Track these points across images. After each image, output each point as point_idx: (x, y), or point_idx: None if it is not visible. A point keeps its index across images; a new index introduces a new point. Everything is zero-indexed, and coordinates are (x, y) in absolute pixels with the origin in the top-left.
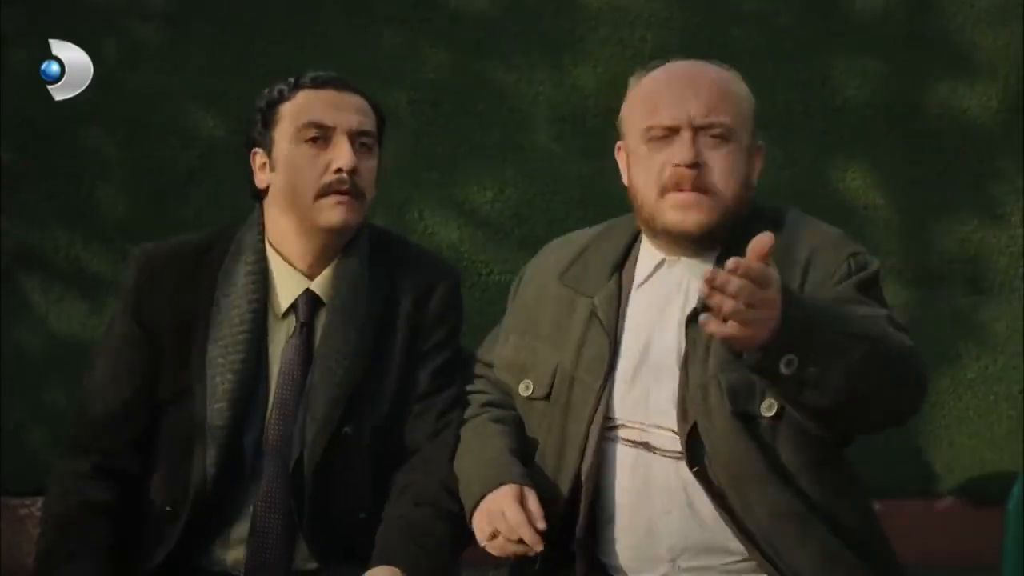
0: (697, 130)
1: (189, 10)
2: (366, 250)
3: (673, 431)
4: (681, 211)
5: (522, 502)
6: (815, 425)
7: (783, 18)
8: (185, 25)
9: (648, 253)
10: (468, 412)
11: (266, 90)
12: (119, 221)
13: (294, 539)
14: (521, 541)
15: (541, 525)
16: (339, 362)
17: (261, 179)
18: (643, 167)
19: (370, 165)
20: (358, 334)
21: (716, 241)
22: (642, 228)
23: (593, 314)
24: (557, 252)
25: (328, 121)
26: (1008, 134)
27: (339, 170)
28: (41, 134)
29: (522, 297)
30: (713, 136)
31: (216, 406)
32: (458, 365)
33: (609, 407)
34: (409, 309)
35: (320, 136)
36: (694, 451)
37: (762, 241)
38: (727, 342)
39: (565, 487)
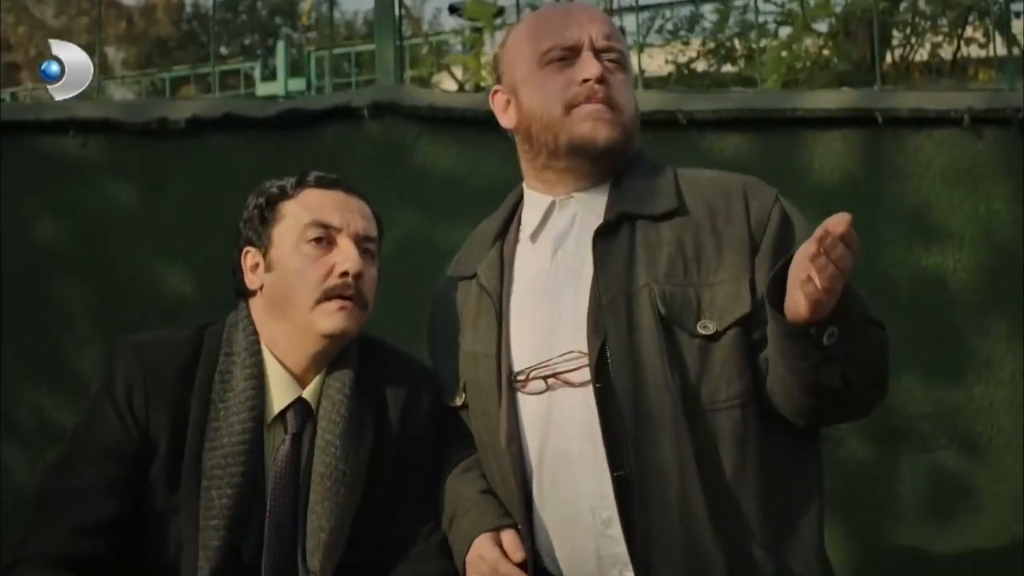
0: (597, 53)
1: (161, 168)
2: (355, 360)
3: (580, 351)
4: (592, 121)
5: (499, 543)
6: (799, 411)
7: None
8: (157, 182)
9: (534, 204)
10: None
11: (265, 185)
12: (85, 375)
13: None
14: None
15: (517, 557)
16: (340, 480)
17: (252, 280)
18: (542, 89)
19: (374, 274)
20: (357, 453)
21: (610, 172)
22: (534, 163)
23: (480, 286)
24: (450, 266)
25: (335, 222)
26: (964, 293)
27: (344, 273)
28: (9, 285)
29: (431, 325)
30: (611, 61)
31: (212, 523)
32: (446, 470)
33: (510, 364)
34: (397, 422)
35: (324, 237)
36: (601, 366)
37: (846, 217)
38: (804, 305)
39: (507, 476)
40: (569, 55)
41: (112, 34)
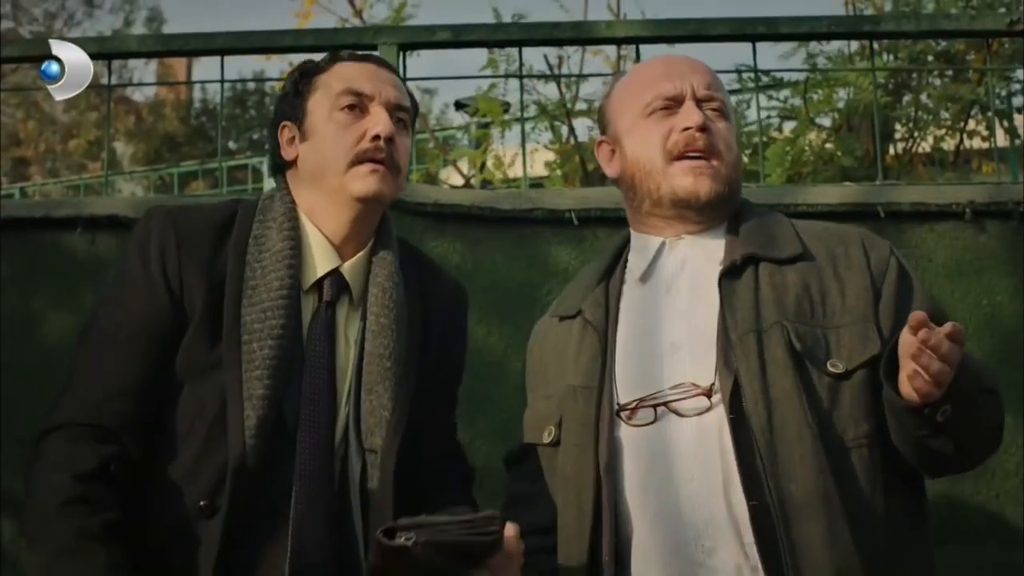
0: (699, 102)
1: None
2: (396, 247)
3: (693, 384)
4: (693, 175)
5: None
6: (913, 460)
7: None
8: None
9: (642, 245)
10: None
11: (300, 63)
12: None
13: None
14: None
15: None
16: (399, 361)
17: (289, 152)
18: (645, 138)
19: (406, 143)
20: (410, 339)
21: (719, 217)
22: (639, 209)
23: (584, 321)
24: (551, 307)
25: (367, 90)
26: None
27: (376, 137)
28: (10, 380)
29: (530, 363)
30: (713, 110)
31: (255, 374)
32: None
33: (613, 395)
34: (441, 323)
35: (357, 105)
36: (735, 400)
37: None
38: (916, 394)
39: (588, 506)
40: (672, 104)
41: (121, 129)
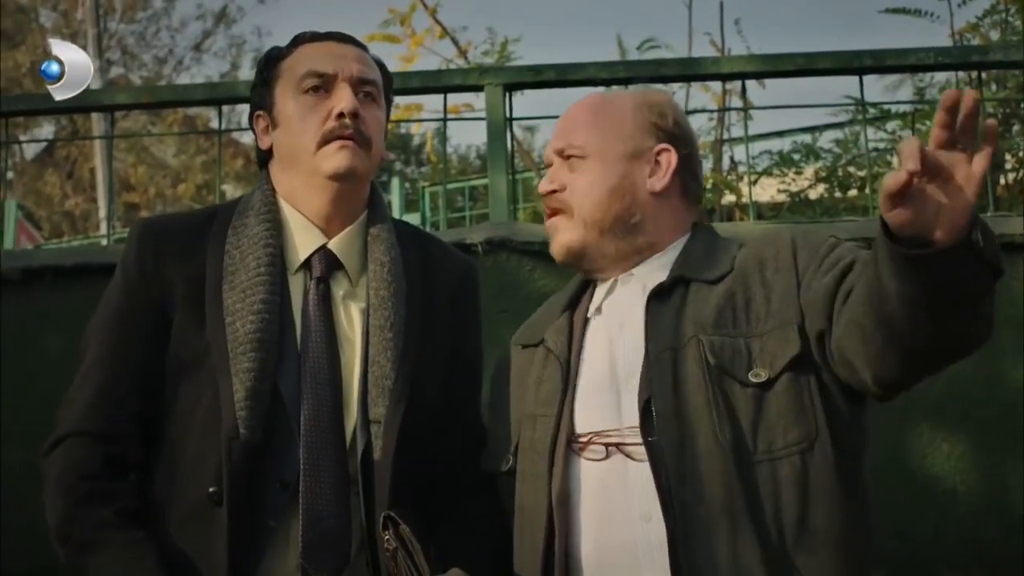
0: (562, 156)
1: None
2: (391, 224)
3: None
4: (554, 243)
5: None
6: (896, 337)
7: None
8: None
9: (601, 282)
10: None
11: (266, 51)
12: None
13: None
14: None
15: None
16: (400, 332)
17: (264, 141)
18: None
19: (376, 115)
20: (411, 312)
21: (637, 250)
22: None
23: (547, 350)
24: (515, 335)
25: (328, 69)
26: None
27: (341, 115)
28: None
29: (493, 387)
30: (565, 157)
31: (240, 350)
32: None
33: (572, 425)
34: (446, 302)
35: (321, 85)
36: (647, 422)
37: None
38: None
39: (540, 536)
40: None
41: (230, 172)
